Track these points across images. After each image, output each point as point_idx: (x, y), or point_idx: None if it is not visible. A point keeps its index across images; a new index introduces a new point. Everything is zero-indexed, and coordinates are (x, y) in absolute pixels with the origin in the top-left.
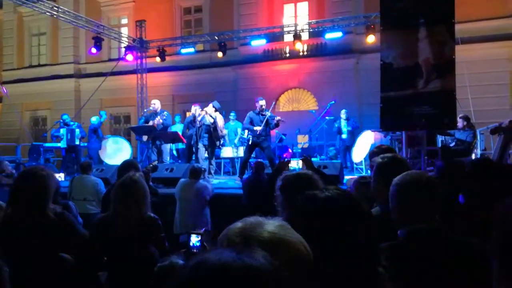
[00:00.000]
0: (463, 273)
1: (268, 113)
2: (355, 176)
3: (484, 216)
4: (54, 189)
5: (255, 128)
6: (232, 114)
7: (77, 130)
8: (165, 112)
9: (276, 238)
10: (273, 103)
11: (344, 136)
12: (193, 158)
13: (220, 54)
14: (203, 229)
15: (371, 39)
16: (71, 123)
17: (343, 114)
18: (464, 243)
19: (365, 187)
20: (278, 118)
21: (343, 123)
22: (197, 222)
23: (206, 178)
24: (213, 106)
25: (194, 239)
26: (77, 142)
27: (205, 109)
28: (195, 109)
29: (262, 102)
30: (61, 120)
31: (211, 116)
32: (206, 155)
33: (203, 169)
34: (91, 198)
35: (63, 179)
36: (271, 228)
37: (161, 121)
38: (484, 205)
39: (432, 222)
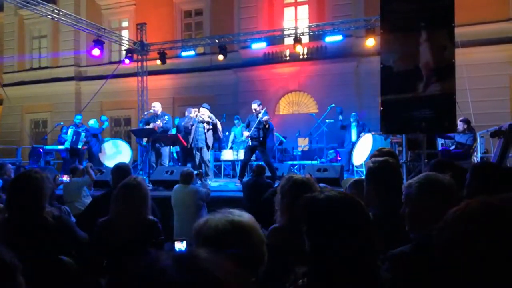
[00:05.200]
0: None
1: (260, 115)
2: (352, 179)
3: None
4: (49, 192)
5: (244, 133)
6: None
7: (83, 134)
8: (166, 117)
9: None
10: (265, 107)
11: (354, 138)
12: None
13: (220, 57)
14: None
15: (370, 42)
16: (83, 126)
17: (353, 116)
18: None
19: (361, 190)
20: (264, 118)
21: (353, 125)
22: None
23: (203, 181)
24: (207, 108)
25: (179, 246)
26: (79, 146)
27: (199, 114)
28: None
29: (254, 106)
30: (74, 122)
31: (210, 118)
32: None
33: (199, 171)
34: (70, 200)
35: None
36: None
37: (161, 124)
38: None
39: None
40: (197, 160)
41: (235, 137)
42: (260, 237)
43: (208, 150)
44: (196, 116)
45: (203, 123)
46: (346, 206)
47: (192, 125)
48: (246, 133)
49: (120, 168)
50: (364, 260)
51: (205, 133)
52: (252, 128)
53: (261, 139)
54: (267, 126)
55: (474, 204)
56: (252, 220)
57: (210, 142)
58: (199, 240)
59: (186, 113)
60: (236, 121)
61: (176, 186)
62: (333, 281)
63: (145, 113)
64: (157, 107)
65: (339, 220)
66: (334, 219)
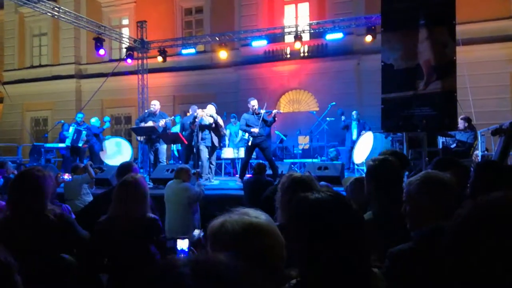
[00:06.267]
0: None
1: (262, 111)
2: (352, 177)
3: None
4: (51, 190)
5: (252, 130)
6: (233, 116)
7: (84, 132)
8: (172, 118)
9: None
10: (265, 103)
11: (354, 137)
12: (191, 158)
13: (222, 54)
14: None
15: (368, 38)
16: (84, 125)
17: (354, 115)
18: None
19: (362, 188)
20: (274, 111)
21: (354, 124)
22: (181, 226)
23: (199, 179)
24: (213, 106)
25: (181, 245)
26: (80, 144)
27: (204, 110)
28: (196, 111)
29: (254, 103)
30: (75, 120)
31: (212, 116)
32: (207, 155)
33: (197, 170)
34: (71, 198)
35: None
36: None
37: (164, 124)
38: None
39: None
40: (201, 157)
41: (230, 135)
42: (279, 240)
43: (215, 149)
44: (202, 116)
45: (209, 128)
46: (336, 207)
47: (195, 121)
48: (255, 130)
49: (123, 167)
50: (354, 261)
51: (210, 132)
52: (259, 125)
53: (266, 135)
54: (275, 118)
55: (470, 207)
56: (270, 222)
57: (216, 141)
58: (214, 243)
59: (191, 111)
60: (232, 120)
61: (170, 181)
62: (323, 282)
63: (146, 111)
64: (157, 105)
65: (327, 221)
66: (322, 220)
